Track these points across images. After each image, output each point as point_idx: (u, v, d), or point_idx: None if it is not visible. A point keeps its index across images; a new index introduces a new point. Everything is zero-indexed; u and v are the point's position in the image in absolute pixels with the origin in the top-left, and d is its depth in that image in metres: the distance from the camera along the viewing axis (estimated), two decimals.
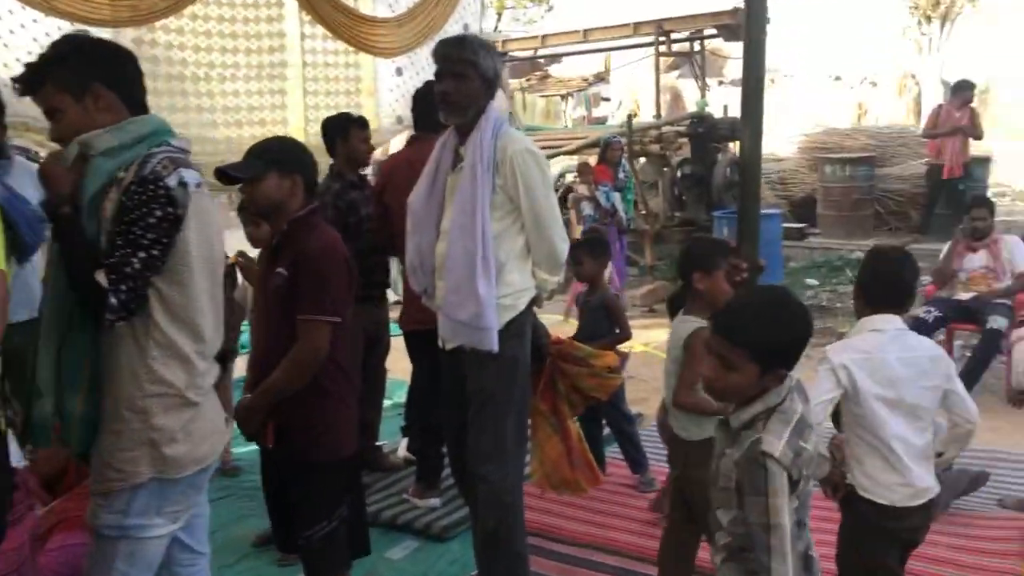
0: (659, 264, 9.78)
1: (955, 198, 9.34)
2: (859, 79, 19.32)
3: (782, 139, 14.43)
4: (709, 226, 8.75)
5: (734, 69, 22.89)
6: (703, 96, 9.74)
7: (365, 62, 6.69)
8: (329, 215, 4.03)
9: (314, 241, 2.59)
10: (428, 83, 3.80)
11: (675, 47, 11.59)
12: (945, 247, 6.28)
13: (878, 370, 2.43)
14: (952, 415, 2.55)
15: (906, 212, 10.83)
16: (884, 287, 2.54)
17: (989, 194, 14.78)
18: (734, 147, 11.54)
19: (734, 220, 8.51)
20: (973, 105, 9.99)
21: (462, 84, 2.93)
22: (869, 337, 2.51)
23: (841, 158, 10.72)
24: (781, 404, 1.90)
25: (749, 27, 2.41)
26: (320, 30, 6.08)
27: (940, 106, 10.17)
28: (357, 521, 2.85)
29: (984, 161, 11.01)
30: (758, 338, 1.86)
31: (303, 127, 6.40)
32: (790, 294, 2.00)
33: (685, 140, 9.44)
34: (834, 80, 19.30)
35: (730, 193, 9.19)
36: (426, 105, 3.64)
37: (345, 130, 4.17)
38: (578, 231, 9.28)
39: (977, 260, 6.08)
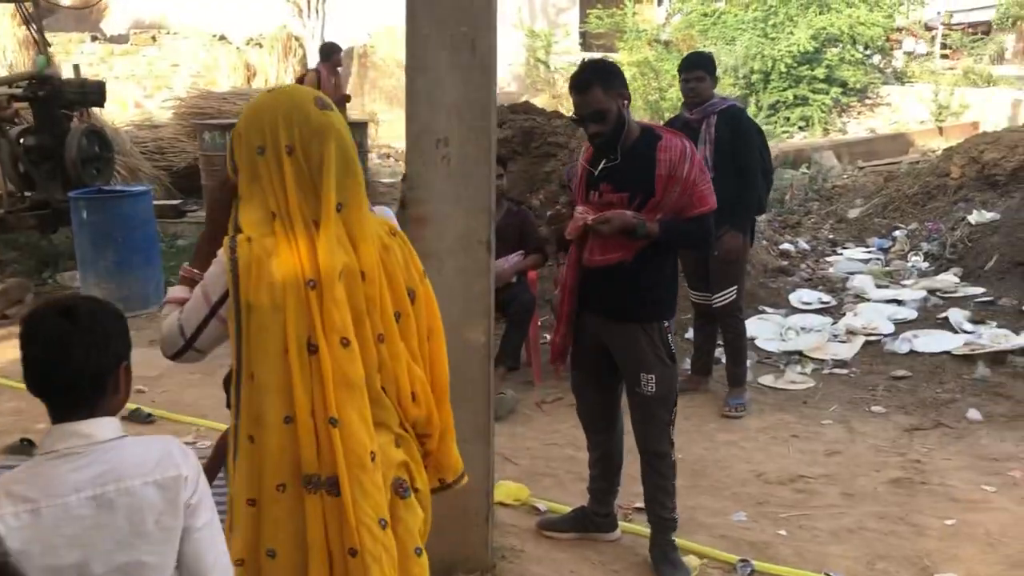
0: (12, 257, 8.10)
1: None
2: (244, 39, 18.72)
3: (160, 104, 13.24)
4: (66, 208, 7.34)
5: (116, 23, 20.77)
6: (43, 52, 8.16)
7: None
8: None
9: None
10: None
11: None
12: None
13: (53, 529, 1.49)
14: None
15: None
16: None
17: (373, 157, 15.47)
18: (101, 113, 10.11)
19: (97, 202, 7.27)
20: (340, 68, 10.04)
21: None
22: (45, 468, 1.53)
23: (220, 124, 9.95)
24: None
25: None
26: None
27: (316, 71, 9.97)
28: None
29: (362, 125, 11.16)
30: None
31: None
32: None
33: (25, 105, 7.82)
34: (219, 39, 18.43)
35: (90, 168, 7.84)
36: None
37: None
38: None
39: None
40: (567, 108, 16.47)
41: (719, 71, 5.22)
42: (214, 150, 9.84)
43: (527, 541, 3.56)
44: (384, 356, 1.89)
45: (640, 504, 3.78)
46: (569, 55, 19.37)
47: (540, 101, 16.09)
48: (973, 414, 4.79)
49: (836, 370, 5.57)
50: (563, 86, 19.16)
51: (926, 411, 4.91)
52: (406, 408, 1.95)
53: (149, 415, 4.85)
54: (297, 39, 18.98)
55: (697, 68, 4.85)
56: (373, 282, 1.87)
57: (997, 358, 5.43)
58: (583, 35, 21.09)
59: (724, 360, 5.19)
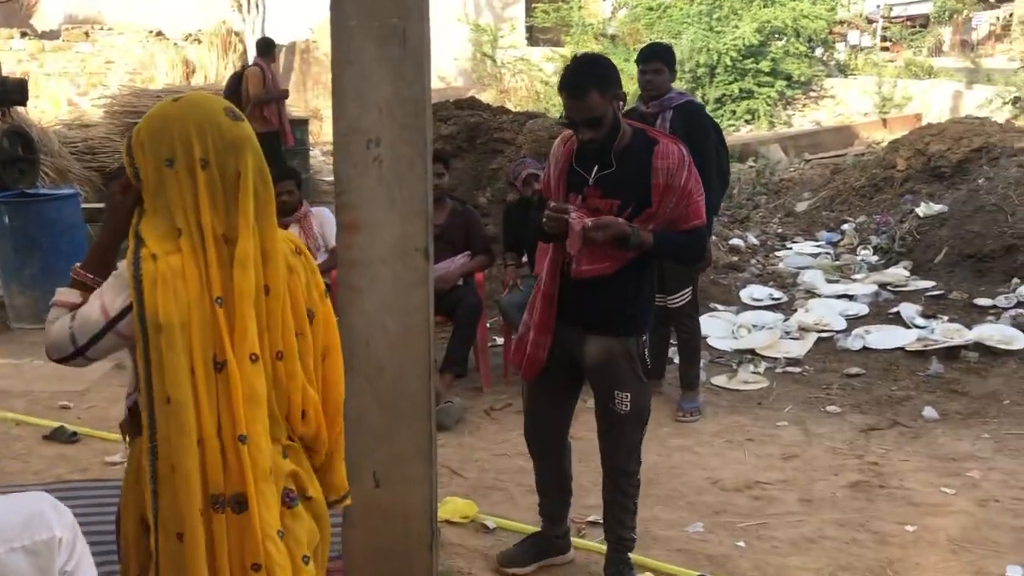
0: None
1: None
2: (182, 35, 18.22)
3: (92, 102, 12.79)
4: None
5: (48, 18, 20.07)
6: None
7: None
8: None
9: None
10: None
11: None
12: None
13: None
14: None
15: None
16: None
17: (318, 154, 15.14)
18: (27, 112, 9.68)
19: (20, 206, 6.89)
20: (273, 64, 9.83)
21: None
22: None
23: None
24: None
25: None
26: None
27: (258, 66, 9.66)
28: None
29: (303, 122, 10.89)
30: None
31: None
32: None
33: None
34: (155, 35, 17.91)
35: (12, 171, 7.47)
36: None
37: None
38: None
39: None
40: (515, 103, 16.33)
41: None
42: None
43: (475, 562, 3.37)
44: (280, 374, 1.85)
45: (593, 517, 3.63)
46: (515, 49, 19.21)
47: (487, 96, 15.89)
48: (929, 412, 4.71)
49: (789, 368, 5.46)
50: (510, 81, 18.99)
51: (882, 410, 4.82)
52: (295, 425, 1.91)
53: (74, 434, 4.56)
54: (237, 34, 18.53)
55: (655, 60, 4.65)
56: (277, 297, 1.82)
57: (950, 353, 5.37)
58: (529, 29, 20.93)
59: (677, 361, 5.05)
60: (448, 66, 19.21)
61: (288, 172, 5.88)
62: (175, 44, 18.11)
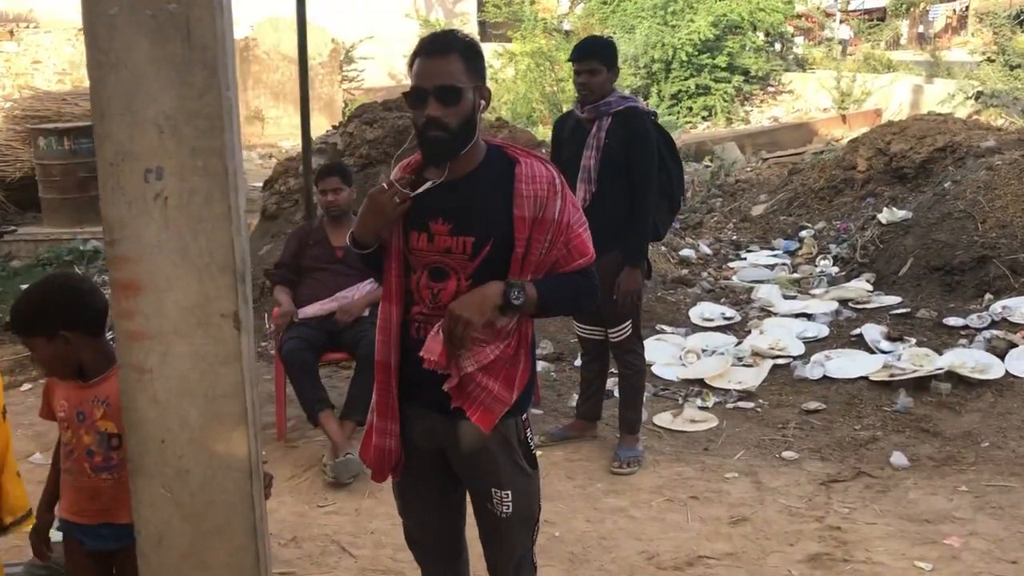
0: None
1: None
2: None
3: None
4: None
5: None
6: None
7: None
8: None
9: None
10: None
11: None
12: None
13: None
14: None
15: None
16: None
17: (255, 157, 14.39)
18: None
19: None
20: None
21: None
22: None
23: (58, 128, 8.81)
24: None
25: None
26: None
27: None
28: None
29: None
30: None
31: None
32: None
33: None
34: (79, 32, 17.00)
35: None
36: None
37: None
38: None
39: None
40: None
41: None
42: (51, 158, 8.75)
43: None
44: None
45: None
46: None
47: None
48: (898, 458, 4.11)
49: (741, 403, 4.84)
50: None
51: (844, 455, 4.22)
52: None
53: None
54: None
55: (589, 58, 3.95)
56: None
57: (920, 384, 4.78)
58: (481, 24, 20.24)
59: (617, 396, 4.41)
60: (400, 64, 18.55)
61: None
62: None
